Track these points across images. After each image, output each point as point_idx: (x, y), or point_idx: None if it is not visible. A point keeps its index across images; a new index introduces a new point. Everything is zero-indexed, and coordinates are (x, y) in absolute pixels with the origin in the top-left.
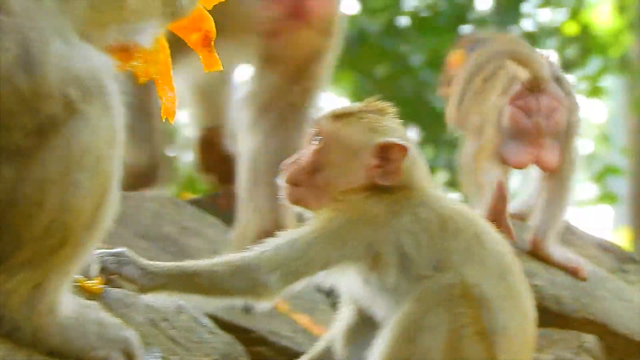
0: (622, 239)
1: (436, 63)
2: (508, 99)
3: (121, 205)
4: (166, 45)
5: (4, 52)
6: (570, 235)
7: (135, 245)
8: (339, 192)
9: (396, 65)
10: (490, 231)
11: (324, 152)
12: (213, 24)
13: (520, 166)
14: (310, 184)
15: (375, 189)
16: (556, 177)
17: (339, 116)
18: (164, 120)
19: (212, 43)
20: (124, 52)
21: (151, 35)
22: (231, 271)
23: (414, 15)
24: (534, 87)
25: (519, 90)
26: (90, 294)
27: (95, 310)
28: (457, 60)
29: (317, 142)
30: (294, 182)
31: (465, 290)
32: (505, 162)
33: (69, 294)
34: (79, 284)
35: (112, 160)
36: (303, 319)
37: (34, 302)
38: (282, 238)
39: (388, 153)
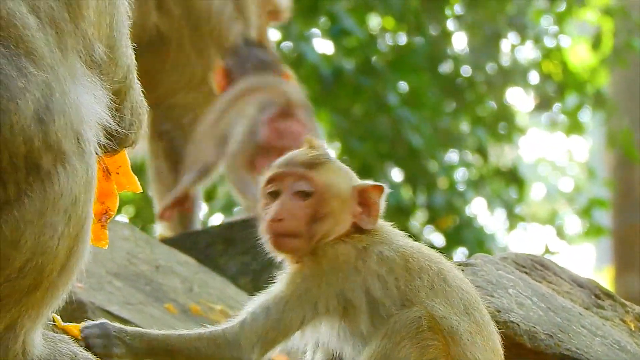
0: (604, 278)
1: (413, 101)
2: (265, 118)
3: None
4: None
5: (29, 104)
6: (544, 271)
7: (110, 285)
8: (328, 239)
9: (373, 103)
10: (451, 268)
11: (321, 202)
12: (117, 205)
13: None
14: (308, 234)
15: (356, 233)
16: None
17: (319, 164)
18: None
19: (108, 221)
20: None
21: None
22: (213, 349)
23: (389, 54)
24: (287, 113)
25: (275, 114)
26: (67, 334)
27: (68, 344)
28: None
29: (307, 194)
30: (293, 234)
31: (432, 323)
32: (254, 170)
33: (42, 333)
34: (55, 323)
35: (87, 204)
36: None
37: (7, 343)
38: (257, 304)
39: (366, 197)
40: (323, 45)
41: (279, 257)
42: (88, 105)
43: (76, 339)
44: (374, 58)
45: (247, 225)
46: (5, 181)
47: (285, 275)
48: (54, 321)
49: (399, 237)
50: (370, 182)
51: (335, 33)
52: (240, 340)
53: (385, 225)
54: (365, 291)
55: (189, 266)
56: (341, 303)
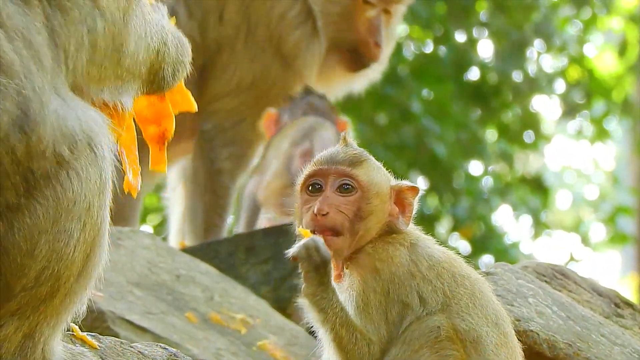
0: (629, 285)
1: (437, 110)
2: (299, 151)
3: (116, 254)
4: (132, 123)
5: (2, 113)
6: (564, 279)
7: (130, 294)
8: (368, 240)
9: (397, 112)
10: (483, 279)
11: (365, 200)
12: (173, 125)
13: None
14: (350, 232)
15: (385, 233)
16: None
17: (363, 162)
18: (126, 194)
19: (166, 143)
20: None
21: (131, 100)
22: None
23: (414, 63)
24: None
25: (308, 148)
26: (84, 344)
27: (87, 357)
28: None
29: (351, 191)
30: (337, 230)
31: (451, 333)
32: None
33: (62, 342)
34: (74, 333)
35: (102, 209)
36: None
37: (26, 351)
38: (364, 322)
39: (401, 197)
40: None
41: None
42: (84, 111)
43: (93, 349)
44: (399, 67)
45: (269, 235)
46: (0, 187)
47: (355, 288)
48: (72, 331)
49: (432, 240)
50: (406, 182)
51: None
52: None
53: (416, 228)
54: (418, 293)
55: (210, 275)
56: (401, 308)
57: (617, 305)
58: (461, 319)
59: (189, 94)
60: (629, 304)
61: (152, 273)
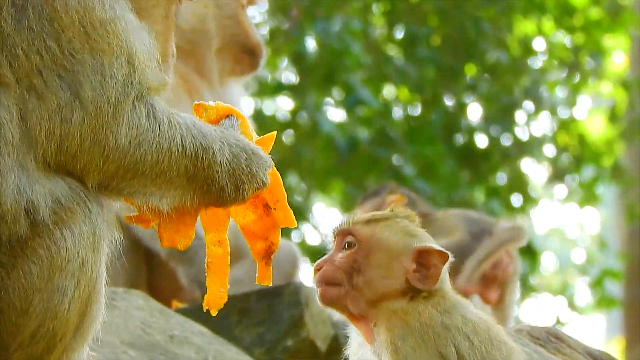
0: (614, 349)
1: (428, 172)
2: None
3: (110, 315)
4: (226, 242)
5: None
6: (558, 343)
7: (124, 354)
8: (377, 294)
9: (387, 174)
10: (519, 349)
11: (362, 254)
12: (279, 239)
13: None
14: (348, 284)
15: (412, 292)
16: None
17: (372, 221)
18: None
19: (271, 257)
20: (141, 216)
21: (173, 205)
22: None
23: (404, 125)
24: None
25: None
26: None
27: None
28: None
29: (351, 246)
30: (330, 282)
31: None
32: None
33: None
34: None
35: (97, 265)
36: None
37: None
38: None
39: (427, 258)
40: (337, 115)
41: (332, 311)
42: (55, 184)
43: None
44: (388, 128)
45: (263, 297)
46: None
47: (383, 341)
48: None
49: (469, 305)
50: (435, 246)
51: (350, 105)
52: None
53: (452, 292)
54: (455, 346)
55: (203, 336)
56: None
57: None
58: None
59: (291, 212)
60: None
61: (145, 334)
